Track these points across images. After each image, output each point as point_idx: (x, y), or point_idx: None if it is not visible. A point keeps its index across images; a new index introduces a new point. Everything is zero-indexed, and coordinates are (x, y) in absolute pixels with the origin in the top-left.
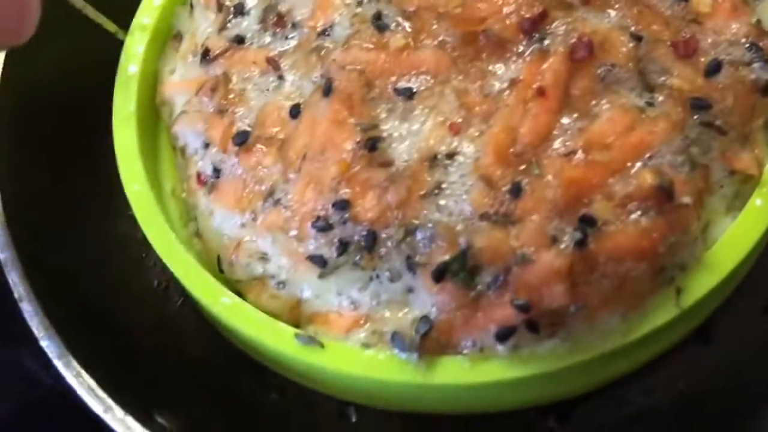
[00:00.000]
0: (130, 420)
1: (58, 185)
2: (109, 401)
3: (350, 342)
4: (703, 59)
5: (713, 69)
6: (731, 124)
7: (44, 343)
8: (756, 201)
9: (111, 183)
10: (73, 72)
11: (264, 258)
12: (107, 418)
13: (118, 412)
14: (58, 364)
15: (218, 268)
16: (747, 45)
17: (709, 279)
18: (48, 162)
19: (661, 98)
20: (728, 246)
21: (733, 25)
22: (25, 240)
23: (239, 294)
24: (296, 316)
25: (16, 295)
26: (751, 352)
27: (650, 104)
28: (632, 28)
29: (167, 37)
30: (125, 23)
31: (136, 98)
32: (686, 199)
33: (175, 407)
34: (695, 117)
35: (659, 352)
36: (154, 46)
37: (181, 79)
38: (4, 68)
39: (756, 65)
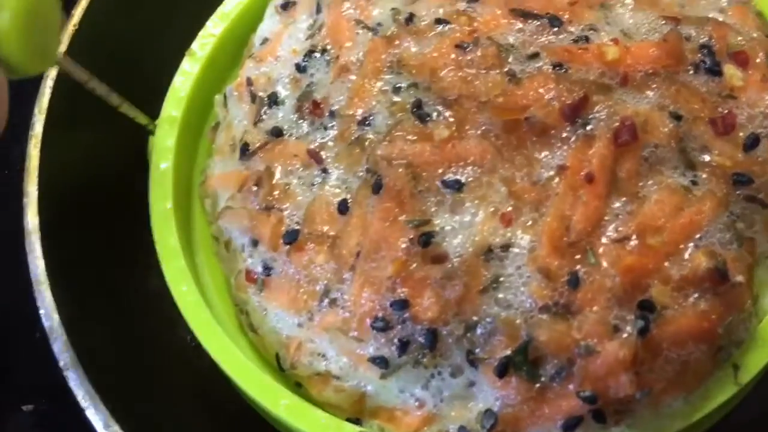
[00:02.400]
0: None
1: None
2: None
3: None
4: (741, 134)
5: (752, 143)
6: None
7: (89, 413)
8: None
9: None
10: (104, 160)
11: (323, 356)
12: None
13: None
14: None
15: (278, 366)
16: None
17: (764, 354)
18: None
19: (704, 176)
20: None
21: (766, 96)
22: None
23: (299, 385)
24: (359, 409)
25: (61, 363)
26: None
27: (694, 183)
28: (671, 108)
29: (196, 129)
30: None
31: (172, 194)
32: (739, 278)
33: None
34: (738, 192)
35: (716, 421)
36: (185, 139)
37: (221, 172)
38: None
39: None
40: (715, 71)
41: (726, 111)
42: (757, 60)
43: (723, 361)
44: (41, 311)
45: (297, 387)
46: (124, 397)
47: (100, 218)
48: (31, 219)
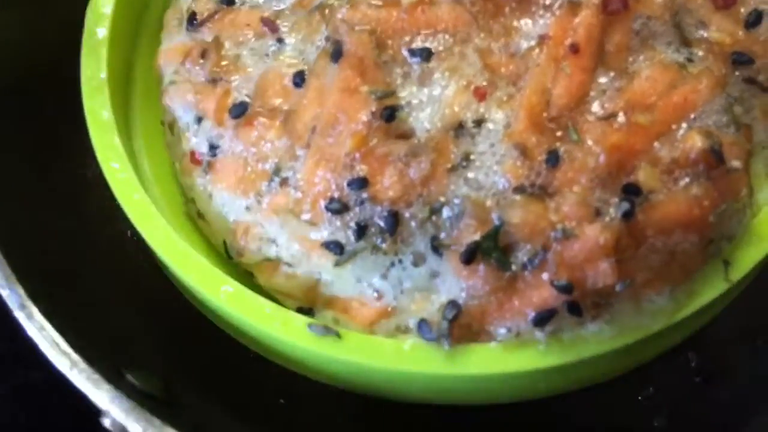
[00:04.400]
0: (97, 377)
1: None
2: (75, 356)
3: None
4: (742, 9)
5: (754, 20)
6: None
7: (4, 293)
8: None
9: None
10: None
11: (273, 242)
12: (72, 375)
13: (84, 368)
14: (20, 315)
15: (226, 254)
16: None
17: (757, 250)
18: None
19: (700, 53)
20: None
21: None
22: None
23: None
24: (312, 298)
25: None
26: None
27: (690, 60)
28: None
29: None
30: None
31: (107, 65)
32: (736, 163)
33: (146, 366)
34: (737, 73)
35: (703, 324)
36: (125, 8)
37: (166, 47)
38: None
39: None
40: None
41: None
42: None
43: (713, 256)
44: None
45: (249, 278)
46: (45, 282)
47: (34, 102)
48: None
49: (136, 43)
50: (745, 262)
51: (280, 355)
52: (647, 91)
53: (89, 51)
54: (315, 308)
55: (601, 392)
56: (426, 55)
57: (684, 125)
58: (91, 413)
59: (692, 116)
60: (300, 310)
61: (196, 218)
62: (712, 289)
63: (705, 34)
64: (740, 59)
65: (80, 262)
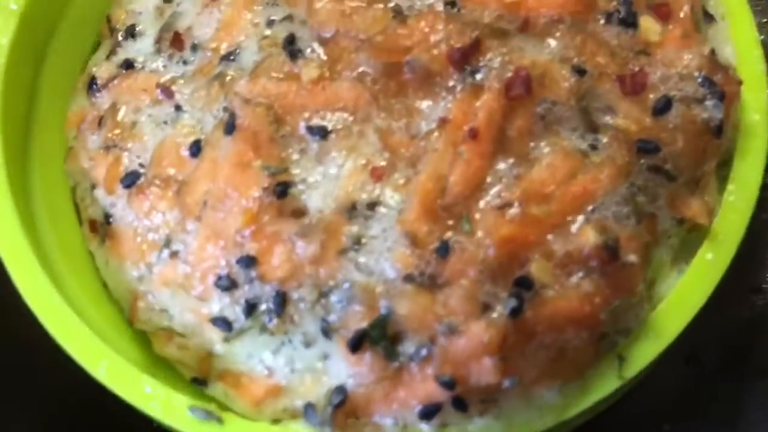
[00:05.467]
0: None
1: None
2: None
3: (260, 415)
4: (651, 96)
5: (662, 107)
6: (681, 168)
7: None
8: (706, 255)
9: None
10: None
11: (165, 312)
12: None
13: None
14: None
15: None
16: (699, 79)
17: (654, 346)
18: None
19: (605, 140)
20: (675, 307)
21: (684, 56)
22: None
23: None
24: (206, 369)
25: None
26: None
27: (594, 147)
28: (575, 60)
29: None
30: None
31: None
32: (632, 258)
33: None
34: (642, 161)
35: (598, 413)
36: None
37: (71, 111)
38: None
39: (709, 103)
40: (630, 22)
41: (637, 68)
42: (681, 14)
43: (606, 351)
44: None
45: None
46: None
47: None
48: None
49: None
50: (640, 358)
51: None
52: (546, 179)
53: None
54: (209, 379)
55: None
56: (324, 133)
57: (581, 217)
58: None
59: (591, 207)
60: (195, 380)
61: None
62: (604, 386)
63: (611, 121)
64: (646, 147)
65: None
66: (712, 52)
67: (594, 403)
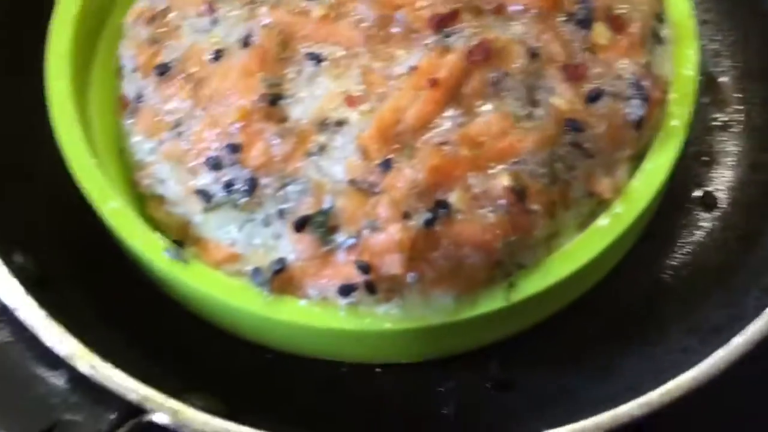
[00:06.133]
0: None
1: None
2: None
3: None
4: (587, 86)
5: (594, 97)
6: (599, 149)
7: None
8: (602, 221)
9: None
10: None
11: (162, 182)
12: None
13: None
14: None
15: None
16: (631, 82)
17: (540, 281)
18: None
19: (541, 112)
20: (567, 256)
21: (623, 61)
22: None
23: None
24: (184, 234)
25: None
26: None
27: (529, 116)
28: (532, 44)
29: None
30: None
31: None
32: (535, 207)
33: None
34: (567, 137)
35: (494, 339)
36: None
37: (134, 6)
38: None
39: (634, 101)
40: (585, 24)
41: (581, 61)
42: (631, 29)
43: (501, 277)
44: None
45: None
46: None
47: None
48: None
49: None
50: (527, 288)
51: (148, 271)
52: (482, 131)
53: None
54: (185, 243)
55: (404, 373)
56: (318, 60)
57: (501, 166)
58: None
59: (512, 161)
60: (175, 242)
61: (119, 153)
62: (491, 303)
63: (549, 99)
64: (573, 125)
65: None
66: (648, 63)
67: (480, 315)
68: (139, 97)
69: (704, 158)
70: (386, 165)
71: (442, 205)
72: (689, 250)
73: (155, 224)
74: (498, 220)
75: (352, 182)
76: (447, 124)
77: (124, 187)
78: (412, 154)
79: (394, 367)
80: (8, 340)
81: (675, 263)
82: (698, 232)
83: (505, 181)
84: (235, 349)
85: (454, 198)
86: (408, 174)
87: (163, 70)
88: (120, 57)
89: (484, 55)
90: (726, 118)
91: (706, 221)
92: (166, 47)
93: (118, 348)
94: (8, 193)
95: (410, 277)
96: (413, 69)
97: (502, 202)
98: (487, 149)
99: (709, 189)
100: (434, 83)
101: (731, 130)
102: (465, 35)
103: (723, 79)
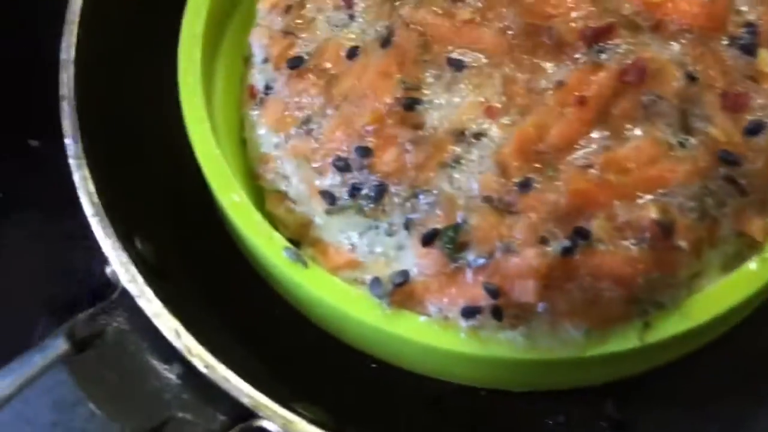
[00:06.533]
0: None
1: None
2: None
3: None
4: (747, 116)
5: (754, 129)
6: (754, 186)
7: (67, 141)
8: (751, 264)
9: None
10: None
11: (286, 178)
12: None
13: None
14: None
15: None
16: None
17: (678, 323)
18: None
19: (694, 141)
20: (709, 298)
21: None
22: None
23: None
24: (302, 234)
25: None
26: None
27: (682, 144)
28: (690, 67)
29: None
30: None
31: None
32: (683, 243)
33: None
34: (721, 170)
35: (617, 377)
36: None
37: None
38: None
39: None
40: (749, 50)
41: (742, 90)
42: None
43: (636, 315)
44: None
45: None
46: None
47: None
48: None
49: None
50: (663, 330)
51: (262, 268)
52: (630, 157)
53: None
54: (302, 243)
55: (511, 400)
56: (459, 66)
57: (649, 196)
58: None
59: (661, 191)
60: (290, 241)
61: (240, 143)
62: (624, 342)
63: (705, 127)
64: (728, 158)
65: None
66: None
67: (612, 354)
68: (268, 89)
69: None
70: (526, 184)
71: (583, 233)
72: None
73: (273, 220)
74: (641, 254)
75: (488, 199)
76: (593, 146)
77: (244, 179)
78: (554, 176)
79: (500, 391)
80: (125, 328)
81: None
82: None
83: (652, 213)
84: (341, 356)
85: (595, 226)
86: (549, 196)
87: (296, 64)
88: (251, 45)
89: (639, 75)
90: None
91: None
92: (301, 40)
93: (228, 346)
94: (130, 178)
95: (541, 306)
96: (560, 84)
97: (648, 235)
98: (634, 177)
99: None
100: (582, 101)
101: None
102: (619, 52)
103: None
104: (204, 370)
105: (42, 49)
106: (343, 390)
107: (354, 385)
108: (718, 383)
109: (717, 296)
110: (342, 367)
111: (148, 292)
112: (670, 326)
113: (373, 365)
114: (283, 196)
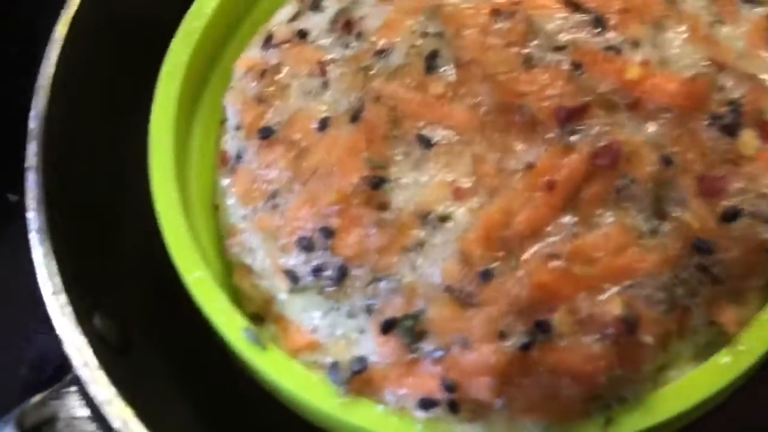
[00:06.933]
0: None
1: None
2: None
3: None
4: (724, 202)
5: (730, 216)
6: (728, 275)
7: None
8: (724, 358)
9: None
10: None
11: (252, 252)
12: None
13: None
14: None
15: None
16: None
17: (642, 419)
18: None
19: (666, 228)
20: (676, 393)
21: None
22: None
23: None
24: (267, 310)
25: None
26: None
27: (654, 231)
28: (666, 150)
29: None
30: None
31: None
32: (648, 339)
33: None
34: (693, 259)
35: None
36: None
37: (244, 55)
38: None
39: None
40: (731, 131)
41: (720, 174)
42: None
43: (598, 410)
44: None
45: None
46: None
47: None
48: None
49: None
50: (626, 426)
51: (226, 345)
52: (598, 245)
53: (182, 37)
54: (266, 319)
55: None
56: (429, 143)
57: (615, 288)
58: None
59: (628, 283)
60: (254, 316)
61: (213, 209)
62: None
63: (679, 213)
64: (701, 246)
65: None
66: None
67: None
68: (239, 157)
69: None
70: (487, 274)
71: (544, 326)
72: None
73: (240, 293)
74: (604, 350)
75: (448, 289)
76: (560, 234)
77: (215, 246)
78: (517, 266)
79: None
80: (76, 416)
81: None
82: None
83: (616, 309)
84: None
85: (557, 320)
86: (510, 289)
87: (267, 134)
88: (225, 108)
89: (611, 158)
90: None
91: None
92: (273, 108)
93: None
94: (97, 251)
95: (498, 403)
96: (530, 166)
97: (611, 331)
98: (601, 267)
99: None
100: (551, 186)
101: None
102: (593, 133)
103: None
104: None
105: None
106: None
107: None
108: None
109: (684, 390)
110: None
111: (101, 378)
112: (633, 422)
113: None
114: (248, 269)
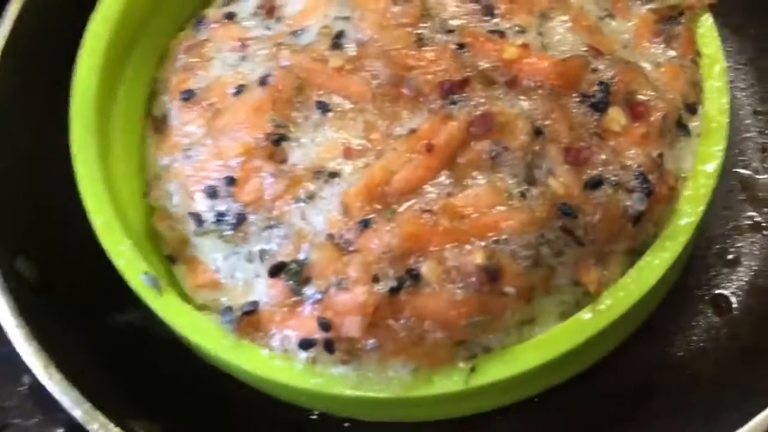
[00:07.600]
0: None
1: None
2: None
3: (195, 296)
4: (589, 171)
5: (593, 183)
6: (591, 239)
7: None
8: (585, 315)
9: None
10: None
11: (170, 197)
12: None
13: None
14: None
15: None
16: (636, 173)
17: (503, 368)
18: None
19: (534, 192)
20: (537, 345)
21: (634, 151)
22: None
23: None
24: (180, 251)
25: None
26: None
27: (523, 195)
28: (538, 122)
29: None
30: None
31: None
32: (509, 290)
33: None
34: (558, 221)
35: (444, 416)
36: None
37: (178, 36)
38: None
39: (636, 195)
40: (600, 108)
41: (586, 146)
42: (652, 119)
43: (463, 357)
44: None
45: None
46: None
47: None
48: None
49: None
50: (488, 374)
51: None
52: (468, 203)
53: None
54: (178, 259)
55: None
56: (326, 109)
57: (481, 243)
58: None
59: (493, 238)
60: (169, 257)
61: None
62: (449, 384)
63: (547, 180)
64: (566, 210)
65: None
66: (660, 155)
67: (435, 395)
68: (164, 116)
69: (729, 257)
70: (365, 224)
71: (413, 274)
72: (687, 354)
73: (158, 235)
74: (466, 298)
75: (330, 237)
76: (435, 192)
77: (139, 200)
78: (392, 218)
79: (363, 422)
80: None
81: (669, 364)
82: (702, 336)
83: (478, 258)
84: (207, 380)
85: (426, 268)
86: (384, 237)
87: (188, 96)
88: (155, 80)
89: (486, 127)
90: (759, 219)
91: (713, 326)
92: (196, 76)
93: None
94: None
95: (369, 343)
96: (413, 131)
97: (473, 280)
98: (469, 223)
99: (726, 292)
100: (429, 148)
101: (764, 232)
102: (471, 104)
103: (764, 177)
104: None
105: None
106: (202, 412)
107: (216, 407)
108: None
109: (544, 344)
110: (205, 390)
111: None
112: (495, 371)
113: (242, 390)
114: (167, 213)
